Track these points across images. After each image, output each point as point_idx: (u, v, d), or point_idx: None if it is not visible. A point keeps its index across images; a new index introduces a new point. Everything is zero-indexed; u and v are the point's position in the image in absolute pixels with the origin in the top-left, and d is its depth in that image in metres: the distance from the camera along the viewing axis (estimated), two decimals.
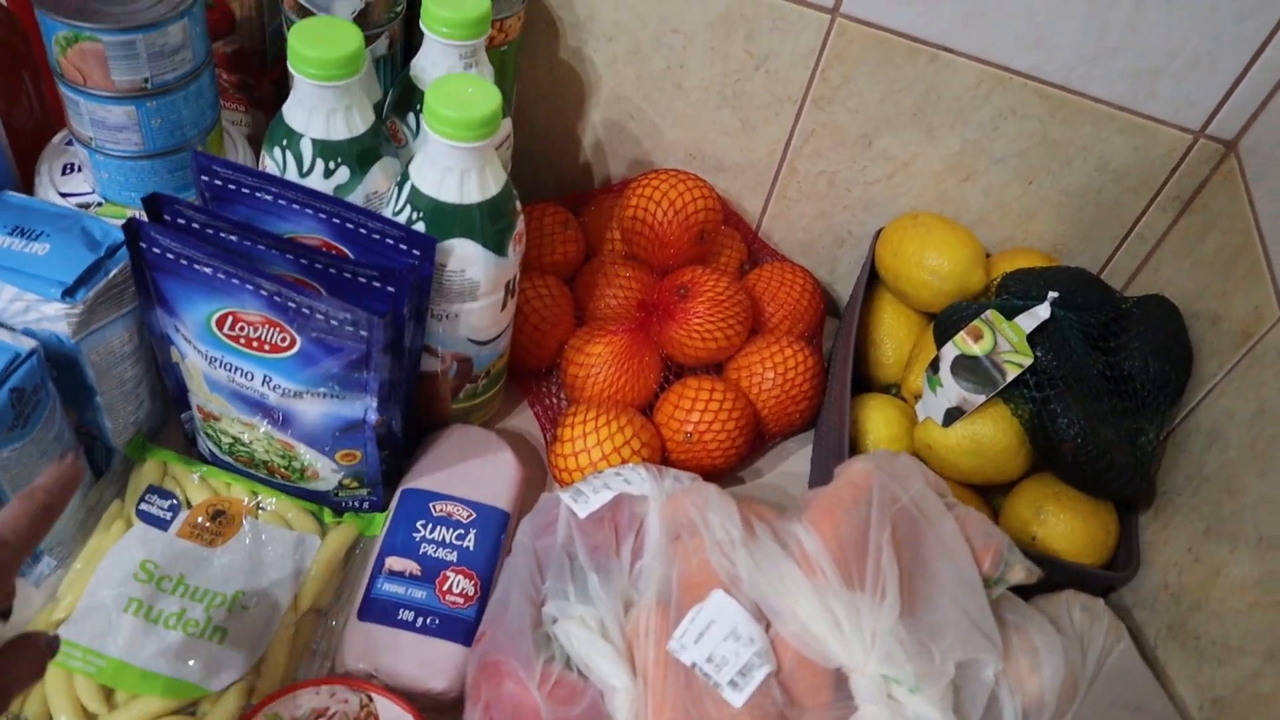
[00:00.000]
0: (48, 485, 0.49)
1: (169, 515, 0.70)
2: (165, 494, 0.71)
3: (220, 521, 0.70)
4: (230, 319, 0.63)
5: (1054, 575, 0.70)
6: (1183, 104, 0.77)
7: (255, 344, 0.64)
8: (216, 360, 0.65)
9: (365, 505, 0.74)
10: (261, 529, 0.70)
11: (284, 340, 0.63)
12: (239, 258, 0.62)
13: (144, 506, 0.70)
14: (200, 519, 0.70)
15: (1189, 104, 0.77)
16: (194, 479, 0.72)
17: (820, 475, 0.81)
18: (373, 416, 0.67)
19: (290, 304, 0.61)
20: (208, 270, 0.61)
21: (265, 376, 0.65)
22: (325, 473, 0.71)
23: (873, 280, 0.87)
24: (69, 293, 0.63)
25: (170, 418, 0.77)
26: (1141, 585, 0.73)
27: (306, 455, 0.69)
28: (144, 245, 0.62)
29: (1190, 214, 0.82)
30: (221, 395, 0.68)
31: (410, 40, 0.77)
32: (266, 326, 0.63)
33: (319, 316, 0.61)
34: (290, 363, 0.64)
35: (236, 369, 0.65)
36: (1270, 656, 0.58)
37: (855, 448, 0.78)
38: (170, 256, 0.62)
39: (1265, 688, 0.58)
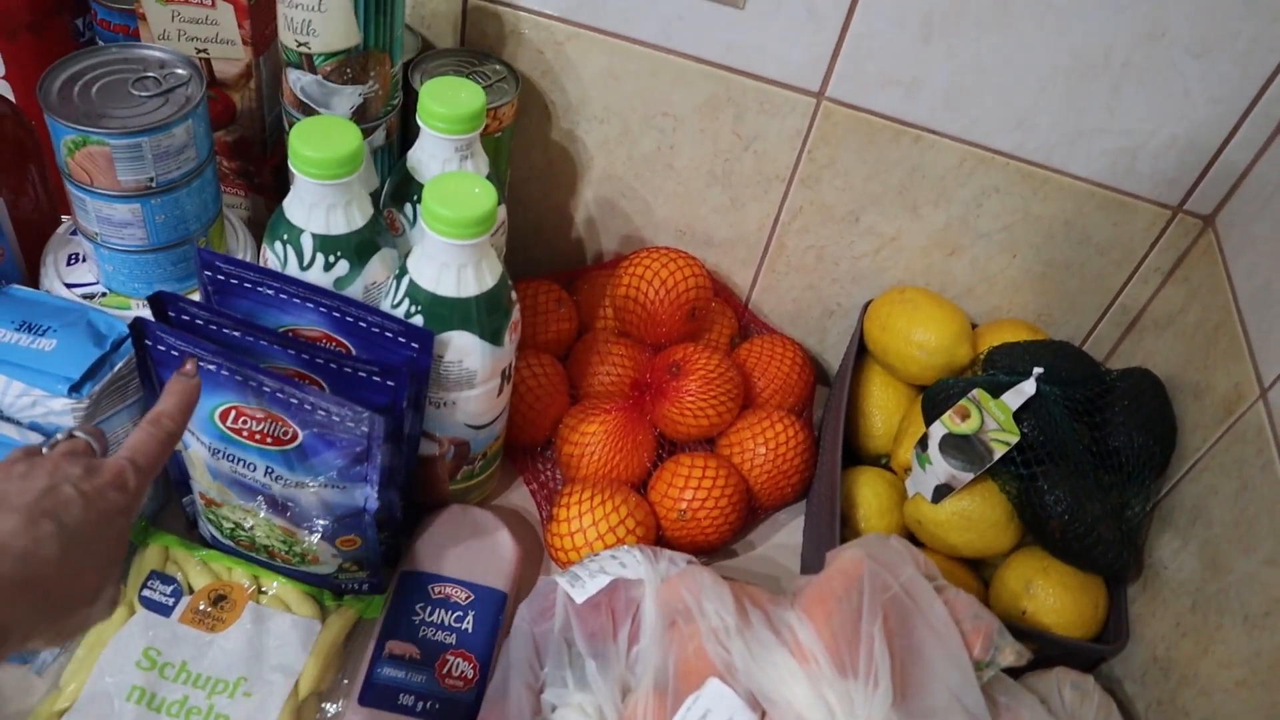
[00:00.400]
0: (170, 410, 0.52)
1: (171, 601, 0.71)
2: (167, 579, 0.72)
3: (222, 606, 0.71)
4: (234, 413, 0.64)
5: (1044, 649, 0.72)
6: (1161, 181, 0.79)
7: (258, 437, 0.65)
8: (219, 451, 0.67)
9: (365, 587, 0.75)
10: (263, 613, 0.71)
11: (286, 434, 0.64)
12: (242, 353, 0.63)
13: (146, 592, 0.71)
14: (202, 604, 0.71)
15: (1167, 181, 0.79)
16: (196, 563, 0.73)
17: (812, 548, 0.82)
18: (373, 505, 0.68)
19: (293, 400, 0.63)
20: (212, 367, 0.63)
21: (268, 468, 0.66)
22: (325, 557, 0.72)
23: (861, 352, 0.88)
24: (75, 388, 0.64)
25: (171, 501, 0.78)
26: (1131, 658, 0.74)
27: (307, 541, 0.71)
28: (149, 343, 0.64)
29: (1171, 285, 0.84)
30: (224, 483, 0.69)
31: (406, 130, 0.79)
32: (269, 421, 0.64)
33: (321, 412, 0.63)
34: (292, 455, 0.65)
35: (239, 460, 0.67)
36: None
37: (846, 521, 0.79)
38: (175, 353, 0.63)
39: None
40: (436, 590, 0.73)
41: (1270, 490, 0.64)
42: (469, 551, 0.76)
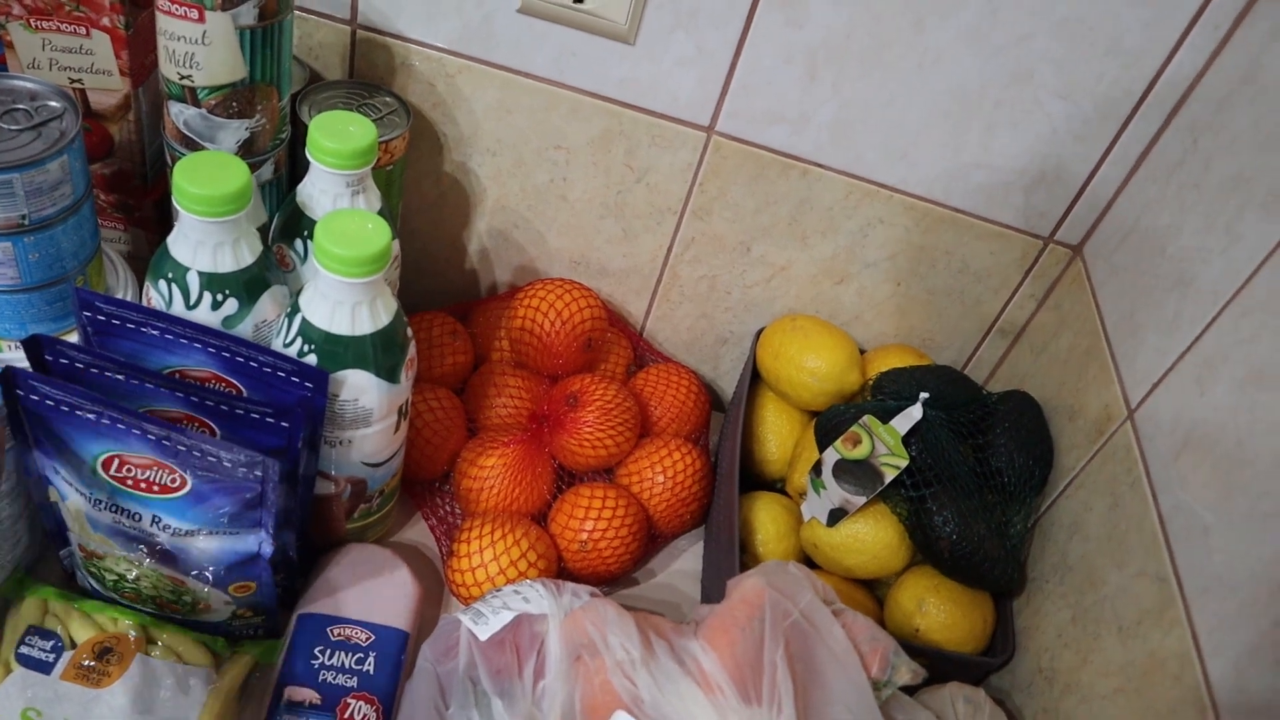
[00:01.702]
0: None
1: (51, 657, 0.68)
2: (47, 634, 0.69)
3: (108, 660, 0.68)
4: (117, 461, 0.62)
5: (937, 664, 0.74)
6: (1033, 213, 0.84)
7: (144, 485, 0.63)
8: (101, 502, 0.64)
9: (260, 633, 0.73)
10: (152, 665, 0.68)
11: (174, 481, 0.62)
12: (125, 397, 0.61)
13: (24, 649, 0.68)
14: (86, 659, 0.68)
15: (1038, 213, 0.84)
16: (78, 615, 0.70)
17: (712, 574, 0.83)
18: (267, 550, 0.66)
19: (180, 447, 0.61)
20: (91, 416, 0.60)
21: (154, 517, 0.64)
22: (218, 605, 0.70)
23: (755, 379, 0.90)
24: None
25: (48, 552, 0.75)
26: (1018, 669, 0.77)
27: (197, 590, 0.68)
28: (21, 393, 0.61)
29: (1045, 311, 0.88)
30: (105, 535, 0.66)
31: (295, 163, 0.78)
32: (155, 469, 0.62)
33: (211, 458, 0.61)
34: (181, 503, 0.63)
35: (123, 510, 0.64)
36: None
37: (745, 547, 0.81)
38: (50, 403, 0.61)
39: None
40: (336, 632, 0.72)
41: (1138, 506, 0.68)
42: (368, 591, 0.75)
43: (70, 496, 0.65)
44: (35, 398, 0.61)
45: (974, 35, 0.75)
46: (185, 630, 0.71)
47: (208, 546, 0.65)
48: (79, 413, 0.60)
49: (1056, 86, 0.76)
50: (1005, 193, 0.82)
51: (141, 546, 0.66)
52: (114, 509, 0.64)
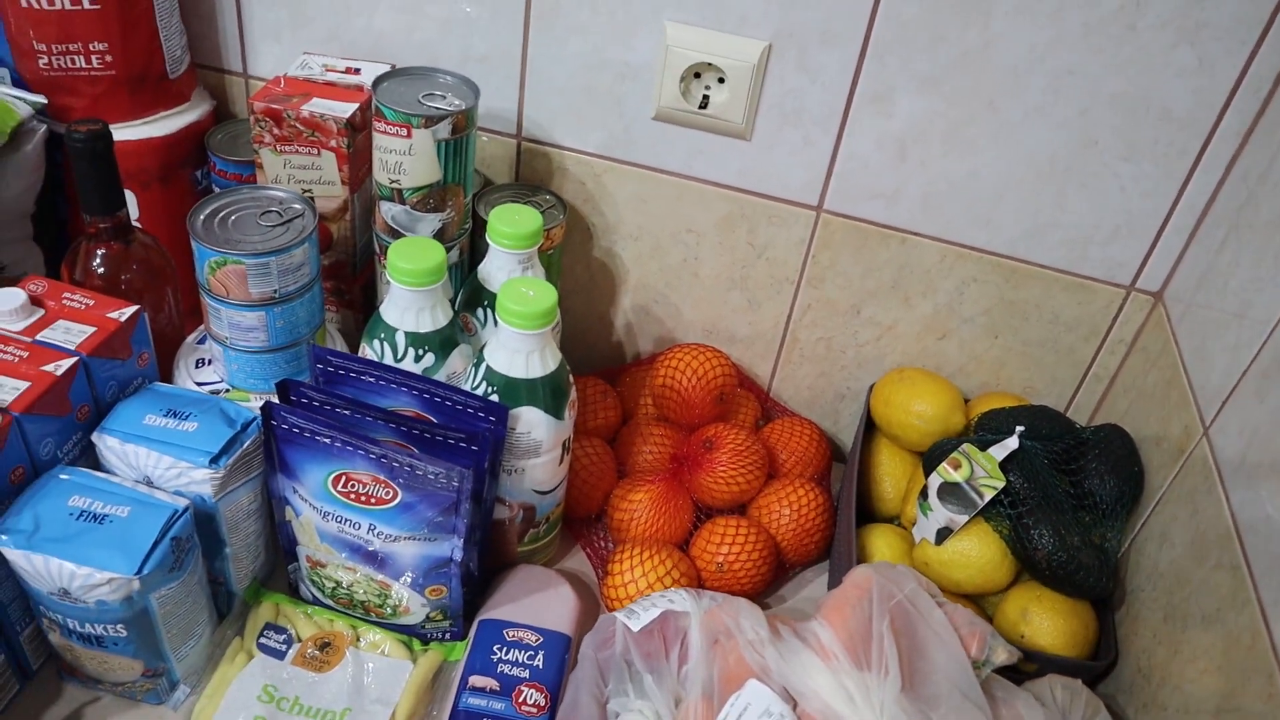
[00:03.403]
0: None
1: (284, 647, 0.83)
2: (279, 629, 0.84)
3: (327, 651, 0.83)
4: (344, 478, 0.78)
5: (1044, 669, 0.82)
6: (1112, 265, 0.94)
7: (364, 498, 0.78)
8: (330, 514, 0.80)
9: (447, 635, 0.87)
10: (362, 657, 0.83)
11: (388, 494, 0.78)
12: (350, 428, 0.77)
13: (263, 640, 0.83)
14: (310, 650, 0.83)
15: (1117, 264, 0.94)
16: (303, 616, 0.85)
17: None
18: (459, 555, 0.80)
19: (395, 463, 0.76)
20: (327, 440, 0.77)
21: (371, 525, 0.79)
22: (415, 607, 0.84)
23: (870, 428, 1.01)
24: (214, 460, 0.78)
25: (278, 567, 0.91)
26: (1121, 673, 0.84)
27: (400, 593, 0.83)
28: (275, 422, 0.78)
29: (1134, 355, 0.97)
30: (330, 544, 0.82)
31: (475, 249, 0.95)
32: (374, 483, 0.77)
33: (418, 472, 0.76)
34: (392, 512, 0.78)
35: (346, 520, 0.80)
36: (1217, 712, 0.69)
37: None
38: (296, 430, 0.77)
39: None
40: (510, 634, 0.85)
41: (1214, 508, 0.76)
42: (537, 602, 0.88)
43: (304, 511, 0.81)
44: (285, 426, 0.77)
45: (1039, 111, 0.87)
46: (388, 630, 0.85)
47: (411, 550, 0.80)
48: (318, 438, 0.77)
49: (1119, 151, 0.88)
50: (1084, 247, 0.93)
51: (358, 554, 0.81)
52: (339, 520, 0.80)
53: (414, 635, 0.86)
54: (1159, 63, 0.83)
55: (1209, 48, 0.82)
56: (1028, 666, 0.82)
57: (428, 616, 0.85)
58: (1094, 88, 0.85)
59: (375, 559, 0.81)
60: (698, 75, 0.93)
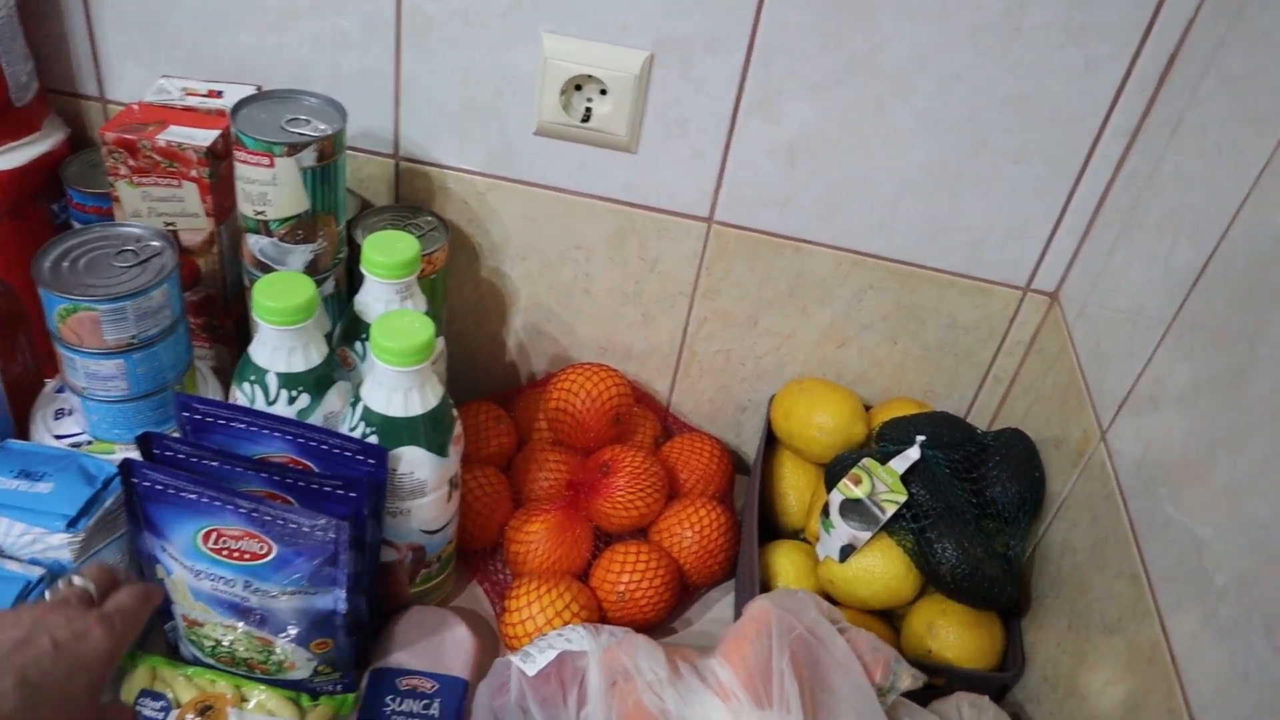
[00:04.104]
0: (155, 589, 0.61)
1: (161, 715, 0.78)
2: (157, 695, 0.79)
3: (209, 715, 0.78)
4: (215, 534, 0.73)
5: (951, 682, 0.81)
6: (1008, 266, 0.93)
7: (237, 554, 0.74)
8: (202, 572, 0.75)
9: (339, 688, 0.83)
10: (247, 719, 0.78)
11: (262, 549, 0.73)
12: (219, 481, 0.73)
13: (139, 708, 0.78)
14: (190, 716, 0.78)
15: (1013, 266, 0.93)
16: (181, 679, 0.81)
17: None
18: (343, 606, 0.76)
19: (267, 517, 0.72)
20: (193, 495, 0.72)
21: (246, 581, 0.75)
22: (301, 662, 0.80)
23: (772, 440, 0.99)
24: (71, 524, 0.73)
25: (154, 628, 0.85)
26: (1027, 682, 0.83)
27: (284, 649, 0.78)
28: (136, 480, 0.73)
29: (1032, 357, 0.96)
30: (205, 603, 0.77)
31: (352, 279, 0.91)
32: (247, 538, 0.73)
33: (292, 525, 0.72)
34: (268, 567, 0.74)
35: (220, 578, 0.75)
36: None
37: (765, 589, 0.88)
38: (159, 487, 0.72)
39: None
40: (404, 683, 0.81)
41: (1112, 515, 0.75)
42: (431, 646, 0.84)
43: (175, 570, 0.76)
44: (147, 483, 0.72)
45: (927, 116, 0.85)
46: (274, 688, 0.81)
47: (290, 606, 0.76)
48: (183, 494, 0.72)
49: (1010, 152, 0.86)
50: (979, 250, 0.92)
51: (235, 611, 0.77)
52: (212, 577, 0.75)
53: (303, 690, 0.82)
54: (1046, 64, 0.82)
55: (1095, 48, 0.81)
56: (936, 680, 0.81)
57: (315, 670, 0.81)
58: (983, 90, 0.84)
59: (254, 616, 0.77)
60: (579, 87, 0.89)
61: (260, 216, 0.82)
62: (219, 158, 0.86)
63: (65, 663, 0.51)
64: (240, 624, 0.78)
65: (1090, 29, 0.80)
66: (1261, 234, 0.65)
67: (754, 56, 0.86)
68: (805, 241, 0.94)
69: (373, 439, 0.78)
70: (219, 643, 0.80)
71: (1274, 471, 0.59)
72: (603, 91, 0.89)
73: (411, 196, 0.98)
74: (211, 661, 0.81)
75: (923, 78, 0.84)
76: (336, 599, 0.76)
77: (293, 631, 0.77)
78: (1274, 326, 0.62)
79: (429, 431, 0.78)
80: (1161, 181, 0.80)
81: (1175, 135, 0.79)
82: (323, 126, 0.82)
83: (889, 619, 0.89)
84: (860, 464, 0.85)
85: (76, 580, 0.58)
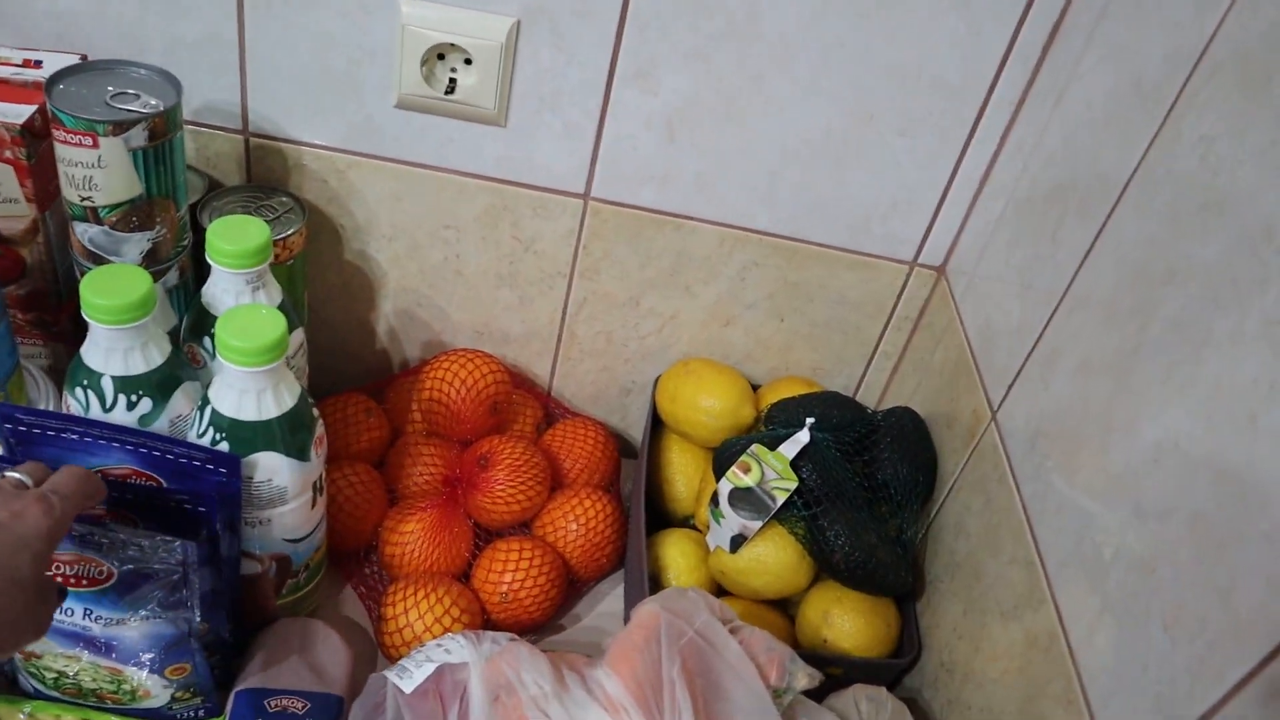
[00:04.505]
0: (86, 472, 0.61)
1: None
2: None
3: None
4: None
5: (848, 671, 0.79)
6: (894, 240, 0.90)
7: (72, 581, 0.67)
8: None
9: (201, 713, 0.76)
10: None
11: (101, 573, 0.66)
12: None
13: None
14: None
15: (899, 240, 0.90)
16: (23, 717, 0.73)
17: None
18: (197, 629, 0.70)
19: (104, 540, 0.65)
20: None
21: (85, 610, 0.68)
22: (156, 690, 0.73)
23: (658, 423, 0.96)
24: None
25: None
26: (924, 667, 0.82)
27: (136, 677, 0.72)
28: None
29: (920, 332, 0.95)
30: None
31: (200, 267, 0.83)
32: (81, 563, 0.66)
33: (133, 548, 0.65)
34: (110, 594, 0.67)
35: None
36: (1020, 716, 0.67)
37: (655, 583, 0.85)
38: None
39: None
40: (273, 704, 0.75)
41: (1006, 499, 0.73)
42: (301, 661, 0.78)
43: None
44: None
45: (810, 86, 0.82)
46: (130, 718, 0.74)
47: (139, 633, 0.69)
48: None
49: (894, 123, 0.84)
50: (865, 224, 0.89)
51: (77, 640, 0.70)
52: None
53: (161, 719, 0.75)
54: (929, 31, 0.79)
55: (978, 15, 0.78)
56: (833, 670, 0.79)
57: (173, 697, 0.74)
58: (866, 59, 0.81)
59: (98, 644, 0.70)
60: (442, 57, 0.83)
61: (87, 203, 0.74)
62: (38, 136, 0.77)
63: (8, 540, 0.53)
64: (84, 654, 0.71)
65: None
66: (1151, 210, 0.64)
67: (628, 23, 0.81)
68: (686, 218, 0.90)
69: (224, 445, 0.71)
70: (61, 674, 0.72)
71: (1168, 458, 0.58)
72: (467, 61, 0.82)
73: (265, 176, 0.90)
74: (56, 694, 0.74)
75: (804, 45, 0.80)
76: (189, 621, 0.70)
77: (145, 658, 0.71)
78: (1166, 305, 0.60)
79: (286, 435, 0.72)
80: (1048, 154, 0.78)
81: (1059, 107, 0.78)
82: (154, 102, 0.74)
83: (783, 607, 0.87)
84: (749, 451, 0.82)
85: (10, 473, 0.59)
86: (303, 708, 0.76)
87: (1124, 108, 0.69)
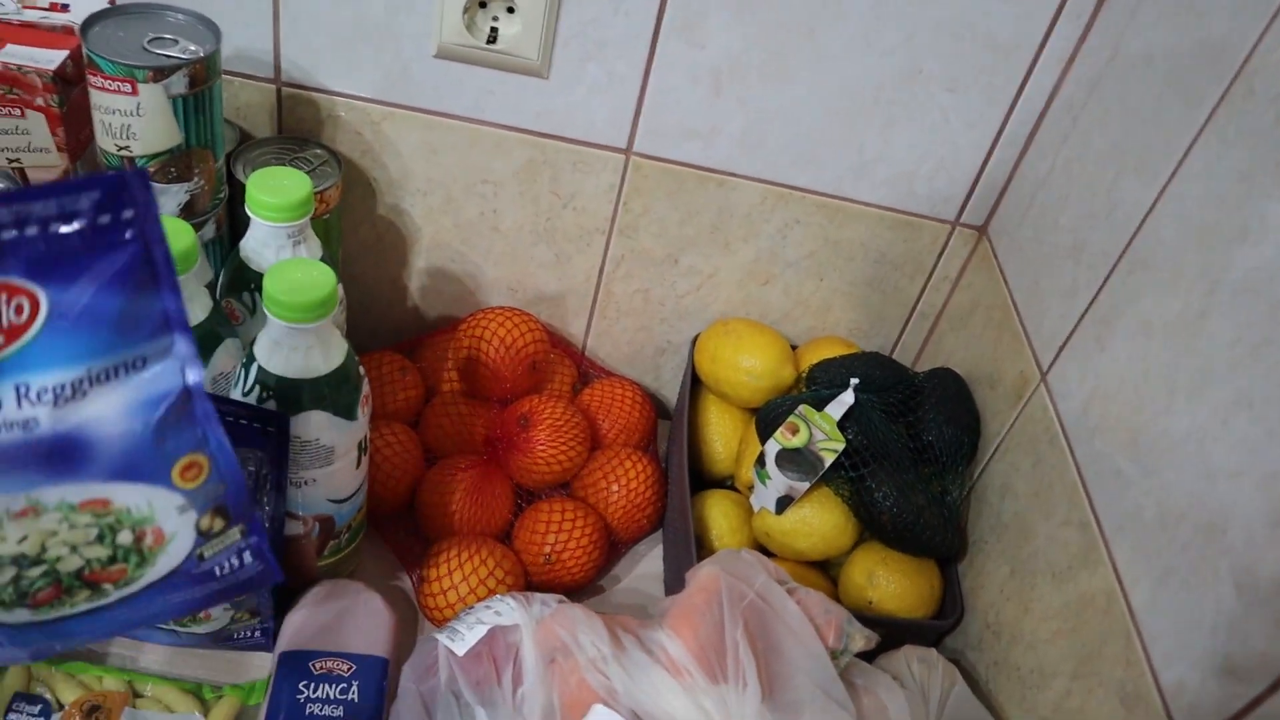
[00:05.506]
0: None
1: None
2: (34, 699, 0.71)
3: (97, 717, 0.70)
4: None
5: (892, 632, 0.79)
6: (937, 200, 0.89)
7: None
8: None
9: (257, 634, 0.76)
10: (142, 717, 0.71)
11: (22, 317, 0.42)
12: None
13: (12, 717, 0.70)
14: (75, 719, 0.70)
15: (942, 199, 0.89)
16: (62, 677, 0.72)
17: (673, 573, 0.87)
18: (197, 381, 0.46)
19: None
20: None
21: (19, 385, 0.43)
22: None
23: (695, 384, 0.95)
24: None
25: None
26: (968, 629, 0.82)
27: (136, 506, 0.47)
28: None
29: (959, 292, 0.94)
30: None
31: (236, 220, 0.81)
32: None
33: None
34: (41, 341, 0.42)
35: None
36: (1075, 676, 0.67)
37: (701, 543, 0.84)
38: None
39: (1075, 704, 0.67)
40: (318, 666, 0.74)
41: (1058, 459, 0.73)
42: (344, 623, 0.77)
43: None
44: None
45: (861, 40, 0.80)
46: (170, 680, 0.73)
47: (116, 401, 0.44)
48: None
49: (943, 80, 0.82)
50: (909, 183, 0.88)
51: (23, 465, 0.44)
52: None
53: (217, 644, 0.75)
54: None
55: None
56: (878, 631, 0.79)
57: (233, 618, 0.73)
58: (916, 14, 0.79)
59: (55, 459, 0.44)
60: (483, 4, 0.80)
61: (125, 153, 0.72)
62: (70, 83, 0.74)
63: None
64: (41, 483, 0.67)
65: None
66: (1220, 170, 0.63)
67: None
68: (729, 174, 0.88)
69: (270, 404, 0.69)
70: (23, 558, 0.70)
71: (1237, 419, 0.57)
72: (510, 9, 0.80)
73: (297, 127, 0.88)
74: (29, 616, 0.72)
75: None
76: (184, 366, 0.47)
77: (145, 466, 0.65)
78: (1237, 266, 0.59)
79: (334, 392, 0.71)
80: (1101, 112, 0.77)
81: (1113, 63, 0.76)
82: (193, 47, 0.72)
83: (824, 569, 0.86)
84: (796, 412, 0.81)
85: None
86: (348, 669, 0.75)
87: (1188, 65, 0.68)
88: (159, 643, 0.76)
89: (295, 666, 0.74)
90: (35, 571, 0.45)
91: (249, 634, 0.76)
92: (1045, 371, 0.77)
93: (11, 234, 0.39)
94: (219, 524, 0.50)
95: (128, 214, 0.42)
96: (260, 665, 0.77)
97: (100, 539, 0.47)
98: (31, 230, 0.39)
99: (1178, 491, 0.61)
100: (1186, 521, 0.60)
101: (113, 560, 0.48)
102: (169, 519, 0.48)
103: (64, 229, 0.40)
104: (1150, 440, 0.64)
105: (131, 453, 0.45)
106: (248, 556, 0.52)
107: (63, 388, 0.42)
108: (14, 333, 0.42)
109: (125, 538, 0.48)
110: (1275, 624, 0.52)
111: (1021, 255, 0.84)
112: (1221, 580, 0.56)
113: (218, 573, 0.51)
